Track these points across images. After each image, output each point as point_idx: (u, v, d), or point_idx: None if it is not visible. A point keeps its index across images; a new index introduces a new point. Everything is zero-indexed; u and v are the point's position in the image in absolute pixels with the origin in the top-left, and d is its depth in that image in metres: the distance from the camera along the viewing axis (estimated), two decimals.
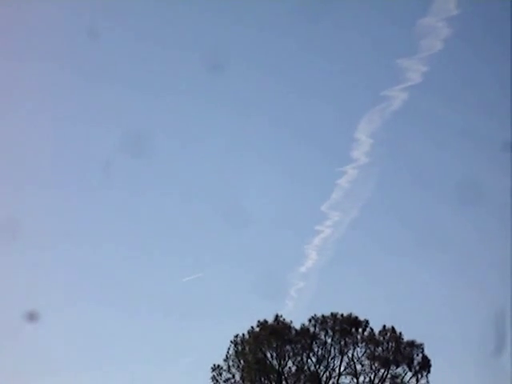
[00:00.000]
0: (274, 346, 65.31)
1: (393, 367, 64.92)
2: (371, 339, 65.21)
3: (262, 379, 65.34)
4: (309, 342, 65.26)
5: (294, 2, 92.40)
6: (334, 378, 64.88)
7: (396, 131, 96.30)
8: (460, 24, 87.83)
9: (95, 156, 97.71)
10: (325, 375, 65.03)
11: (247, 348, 65.59)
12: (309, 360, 65.35)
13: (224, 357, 65.81)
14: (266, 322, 66.00)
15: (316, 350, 65.37)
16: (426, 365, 64.58)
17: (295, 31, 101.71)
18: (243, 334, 66.11)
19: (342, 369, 64.91)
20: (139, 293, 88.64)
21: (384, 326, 65.55)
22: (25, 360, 77.73)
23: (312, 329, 65.60)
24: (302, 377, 65.06)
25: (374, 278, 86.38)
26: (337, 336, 65.27)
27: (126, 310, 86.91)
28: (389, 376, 64.80)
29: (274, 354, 65.42)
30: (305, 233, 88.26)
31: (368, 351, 65.04)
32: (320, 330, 65.60)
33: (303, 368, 65.25)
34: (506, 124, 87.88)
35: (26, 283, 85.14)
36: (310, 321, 65.74)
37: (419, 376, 64.49)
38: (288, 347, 65.36)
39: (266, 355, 65.49)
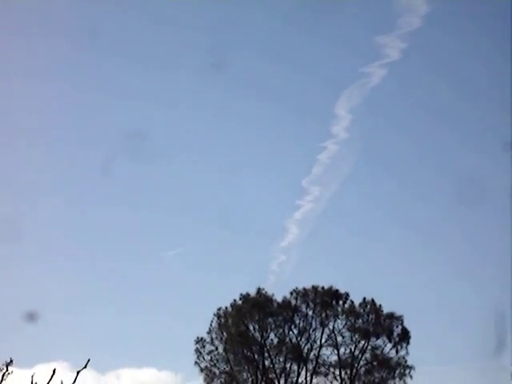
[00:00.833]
0: (257, 318, 66.10)
1: (373, 339, 65.96)
2: (351, 311, 66.16)
3: (245, 351, 66.20)
4: (290, 314, 66.11)
5: None
6: (316, 349, 65.88)
7: (375, 107, 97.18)
8: (438, 1, 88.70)
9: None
10: (306, 347, 65.99)
11: (230, 321, 66.32)
12: (290, 332, 66.32)
13: (207, 329, 66.69)
14: (248, 295, 66.75)
15: (297, 322, 66.25)
16: (405, 336, 65.64)
17: (272, 9, 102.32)
18: (226, 307, 66.89)
19: (323, 340, 65.92)
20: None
21: (364, 299, 66.50)
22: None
23: (293, 301, 66.43)
24: (284, 349, 65.95)
25: (354, 252, 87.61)
26: (318, 308, 66.12)
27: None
28: (369, 347, 65.86)
29: (257, 327, 66.21)
30: (285, 207, 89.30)
31: (348, 323, 66.00)
32: (301, 303, 66.44)
33: (285, 340, 66.15)
34: (481, 100, 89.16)
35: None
36: (291, 294, 66.63)
37: (399, 347, 65.58)
38: (270, 320, 66.20)
39: (248, 328, 66.28)
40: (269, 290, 67.33)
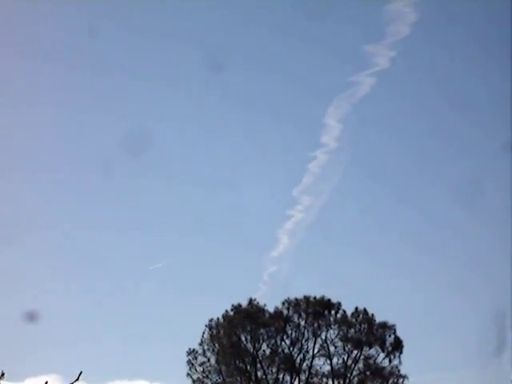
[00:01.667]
0: (249, 329, 65.88)
1: (366, 348, 65.72)
2: (344, 321, 65.95)
3: (237, 362, 65.92)
4: (282, 324, 65.88)
5: None
6: (308, 359, 65.60)
7: (365, 116, 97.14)
8: (426, 9, 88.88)
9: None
10: (299, 357, 65.72)
11: (222, 332, 66.08)
12: (283, 343, 66.02)
13: (199, 341, 66.38)
14: (239, 305, 66.53)
15: (290, 332, 66.00)
16: (398, 346, 65.45)
17: (262, 17, 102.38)
18: (218, 318, 66.66)
19: (316, 351, 65.73)
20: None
21: (356, 308, 66.32)
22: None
23: (285, 312, 66.23)
24: (277, 359, 65.67)
25: (345, 261, 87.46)
26: (310, 318, 65.92)
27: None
28: (362, 357, 65.61)
29: (249, 338, 65.98)
30: (276, 217, 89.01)
31: (341, 333, 65.78)
32: (293, 313, 66.23)
33: (277, 351, 65.87)
34: (471, 108, 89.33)
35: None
36: (283, 304, 66.41)
37: (392, 357, 65.37)
38: (262, 330, 65.95)
39: (240, 338, 66.03)
40: (260, 300, 67.28)
